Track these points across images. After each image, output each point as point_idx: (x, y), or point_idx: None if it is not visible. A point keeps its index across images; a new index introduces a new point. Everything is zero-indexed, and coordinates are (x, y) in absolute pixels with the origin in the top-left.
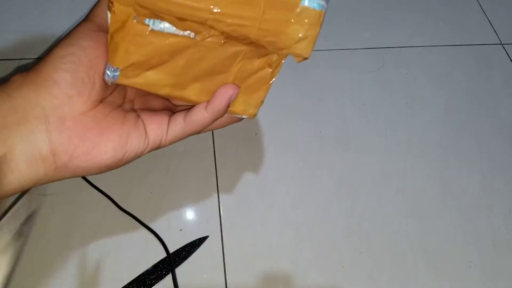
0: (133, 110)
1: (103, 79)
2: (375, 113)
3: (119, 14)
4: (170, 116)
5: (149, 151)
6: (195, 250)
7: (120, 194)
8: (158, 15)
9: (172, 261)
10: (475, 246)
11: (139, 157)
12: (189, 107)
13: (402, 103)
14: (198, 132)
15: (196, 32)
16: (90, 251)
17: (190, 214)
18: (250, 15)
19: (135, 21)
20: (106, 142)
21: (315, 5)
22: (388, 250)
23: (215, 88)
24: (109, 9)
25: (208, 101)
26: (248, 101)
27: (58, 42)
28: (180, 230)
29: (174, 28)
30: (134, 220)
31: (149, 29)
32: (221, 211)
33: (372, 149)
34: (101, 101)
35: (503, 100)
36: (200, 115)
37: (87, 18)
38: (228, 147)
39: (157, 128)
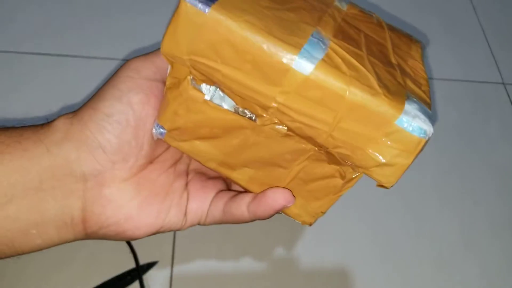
0: (186, 173)
1: (152, 137)
2: None
3: (177, 70)
4: (217, 193)
5: (185, 229)
6: (141, 276)
7: None
8: (216, 85)
9: (140, 272)
10: None
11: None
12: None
13: None
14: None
15: (257, 115)
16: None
17: None
18: (322, 118)
19: (191, 84)
20: (142, 217)
21: (415, 130)
22: None
23: (268, 181)
24: (169, 61)
25: (253, 201)
26: (305, 206)
27: (105, 87)
28: (130, 252)
29: (233, 103)
30: None
31: (204, 98)
32: (176, 236)
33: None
34: (151, 161)
35: (499, 147)
36: (240, 212)
37: (146, 57)
38: None
39: (198, 208)
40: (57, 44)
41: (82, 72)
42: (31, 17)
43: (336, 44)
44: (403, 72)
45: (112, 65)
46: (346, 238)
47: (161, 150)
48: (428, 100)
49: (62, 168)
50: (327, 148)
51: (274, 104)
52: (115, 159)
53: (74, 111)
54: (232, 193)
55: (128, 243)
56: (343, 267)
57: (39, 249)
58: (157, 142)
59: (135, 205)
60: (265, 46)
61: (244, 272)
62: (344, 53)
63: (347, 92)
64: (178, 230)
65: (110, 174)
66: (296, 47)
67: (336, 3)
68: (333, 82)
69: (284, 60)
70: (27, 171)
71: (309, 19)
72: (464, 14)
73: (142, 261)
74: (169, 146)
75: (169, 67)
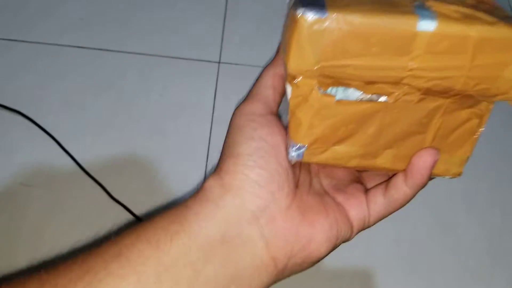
0: (324, 190)
1: (290, 163)
2: None
3: (302, 87)
4: (365, 193)
5: (353, 237)
6: None
7: (112, 184)
8: (343, 82)
9: None
10: None
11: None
12: (379, 175)
13: None
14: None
15: (387, 94)
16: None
17: None
18: (456, 64)
19: (319, 93)
20: (319, 234)
21: None
22: None
23: (410, 151)
24: (289, 83)
25: (405, 175)
26: (450, 159)
27: (232, 137)
28: None
29: (360, 92)
30: (124, 213)
31: (335, 99)
32: None
33: None
34: (297, 185)
35: None
36: (401, 193)
37: (249, 99)
38: None
39: (359, 213)
40: (95, 38)
41: (118, 66)
42: (71, 11)
43: (433, 1)
44: (485, 9)
45: (148, 61)
46: (370, 244)
47: (298, 173)
48: None
49: (234, 216)
50: (466, 91)
51: (407, 73)
52: (272, 189)
53: (216, 170)
54: (382, 185)
55: None
56: (366, 273)
57: None
58: (293, 167)
59: (307, 225)
60: (387, 24)
61: None
62: (444, 5)
63: (472, 31)
64: (348, 240)
65: (274, 205)
66: (412, 13)
67: None
68: (456, 28)
69: (409, 28)
70: (208, 230)
71: None
72: None
73: None
74: (300, 170)
75: (289, 90)
